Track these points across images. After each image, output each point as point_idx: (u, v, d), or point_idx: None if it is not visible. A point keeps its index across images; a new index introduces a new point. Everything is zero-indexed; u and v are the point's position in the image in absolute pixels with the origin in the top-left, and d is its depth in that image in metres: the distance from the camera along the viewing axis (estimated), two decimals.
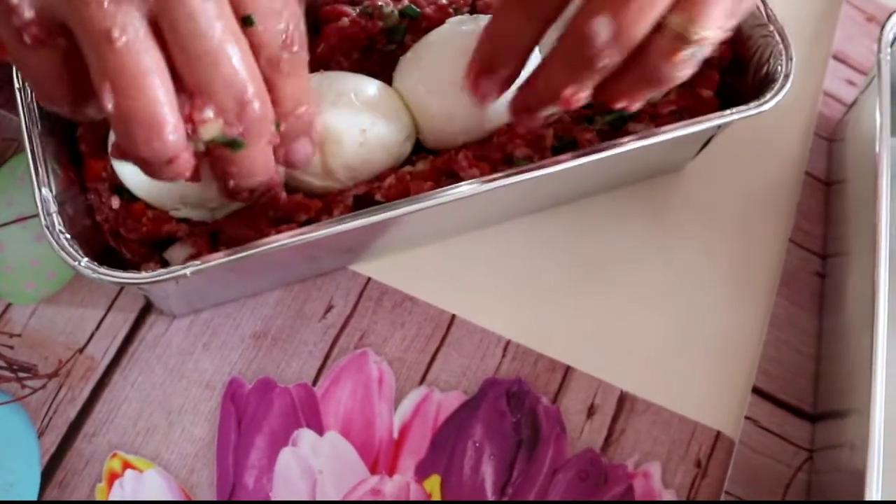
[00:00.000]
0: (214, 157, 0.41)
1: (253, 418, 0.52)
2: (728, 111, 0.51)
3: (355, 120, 0.51)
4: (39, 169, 0.46)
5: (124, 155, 0.39)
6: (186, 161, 0.39)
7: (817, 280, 0.59)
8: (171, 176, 0.39)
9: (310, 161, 0.45)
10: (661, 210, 0.59)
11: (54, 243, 0.45)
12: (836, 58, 0.65)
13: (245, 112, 0.39)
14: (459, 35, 0.52)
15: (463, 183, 0.48)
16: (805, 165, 0.61)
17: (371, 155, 0.51)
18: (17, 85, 0.48)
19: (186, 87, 0.38)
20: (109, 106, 0.36)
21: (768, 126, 0.62)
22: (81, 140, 0.50)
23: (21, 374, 0.52)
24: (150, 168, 0.39)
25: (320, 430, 0.52)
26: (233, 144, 0.40)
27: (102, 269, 0.45)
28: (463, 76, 0.48)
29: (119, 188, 0.50)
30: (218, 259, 0.45)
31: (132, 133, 0.37)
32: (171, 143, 0.38)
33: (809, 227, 0.60)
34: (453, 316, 0.55)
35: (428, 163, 0.53)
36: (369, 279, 0.55)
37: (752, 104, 0.52)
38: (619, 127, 0.54)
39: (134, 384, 0.52)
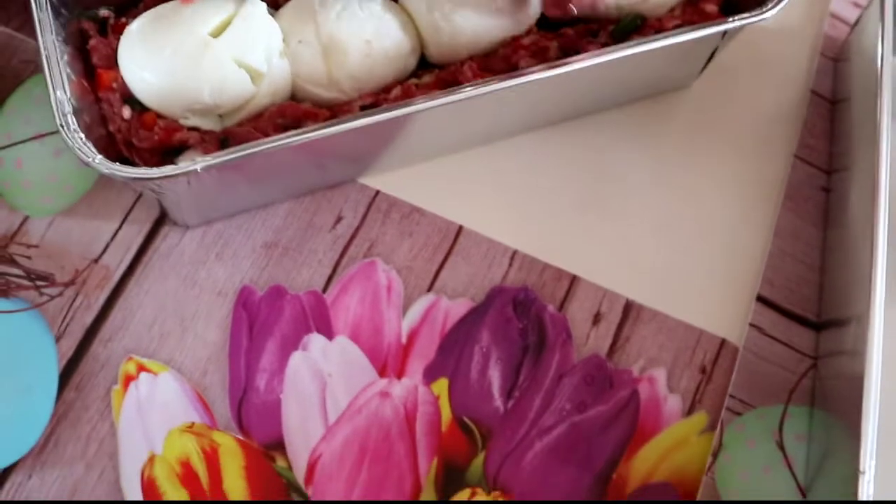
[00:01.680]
0: None
1: (264, 324, 0.53)
2: (730, 18, 0.52)
3: (360, 31, 0.51)
4: (54, 72, 0.47)
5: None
6: None
7: (822, 194, 0.59)
8: None
9: None
10: (669, 126, 0.60)
11: (68, 140, 0.46)
12: None
13: None
14: None
15: (467, 84, 0.49)
16: (811, 84, 0.62)
17: (376, 66, 0.52)
18: None
19: None
20: None
21: (775, 46, 0.62)
22: (93, 52, 0.51)
23: (39, 283, 0.53)
24: None
25: (330, 335, 0.53)
26: None
27: (116, 165, 0.46)
28: None
29: (130, 99, 0.51)
30: (226, 155, 0.46)
31: None
32: None
33: (815, 144, 0.60)
34: (460, 227, 0.56)
35: (433, 76, 0.54)
36: (378, 192, 0.56)
37: (755, 11, 0.52)
38: (623, 40, 0.54)
39: (148, 292, 0.54)
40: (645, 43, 0.51)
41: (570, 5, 0.51)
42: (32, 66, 0.58)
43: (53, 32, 0.49)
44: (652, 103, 0.60)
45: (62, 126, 0.46)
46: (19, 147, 0.56)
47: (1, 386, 0.51)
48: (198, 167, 0.46)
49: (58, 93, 0.47)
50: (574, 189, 0.58)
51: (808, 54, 0.63)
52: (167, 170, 0.46)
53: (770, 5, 0.52)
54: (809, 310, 0.56)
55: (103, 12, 0.53)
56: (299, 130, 0.47)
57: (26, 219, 0.55)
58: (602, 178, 0.58)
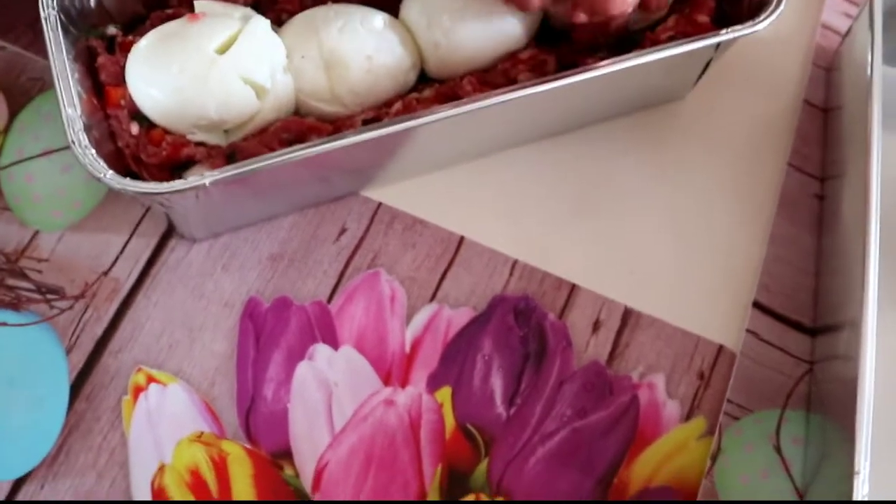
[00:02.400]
0: None
1: (271, 334, 0.54)
2: (723, 30, 0.53)
3: (361, 47, 0.53)
4: (65, 90, 0.49)
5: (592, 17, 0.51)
6: None
7: (816, 201, 0.60)
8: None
9: None
10: (665, 136, 0.61)
11: (80, 157, 0.47)
12: None
13: None
14: None
15: (467, 98, 0.50)
16: (803, 94, 0.63)
17: (377, 81, 0.53)
18: (43, 14, 0.51)
19: None
20: None
21: (768, 57, 0.64)
22: (101, 69, 0.53)
23: (49, 296, 0.54)
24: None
25: (335, 345, 0.54)
26: None
27: (126, 180, 0.47)
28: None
29: (138, 115, 0.52)
30: (234, 170, 0.47)
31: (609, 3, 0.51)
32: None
33: (808, 152, 0.62)
34: (462, 237, 0.57)
35: (433, 90, 0.55)
36: (380, 204, 0.58)
37: (746, 24, 0.53)
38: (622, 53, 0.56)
39: (157, 304, 0.55)
40: (640, 56, 0.52)
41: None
42: (41, 84, 0.60)
43: (63, 51, 0.50)
44: (648, 114, 0.61)
45: (73, 143, 0.47)
46: (29, 163, 0.58)
47: (13, 398, 0.52)
48: (206, 182, 0.47)
49: (68, 110, 0.48)
50: (572, 199, 0.59)
51: (800, 64, 0.64)
52: (176, 184, 0.47)
53: (763, 16, 0.54)
54: (805, 315, 0.57)
55: (111, 30, 0.55)
56: (304, 145, 0.48)
57: (37, 233, 0.56)
58: (599, 187, 0.59)
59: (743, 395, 0.55)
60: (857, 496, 0.45)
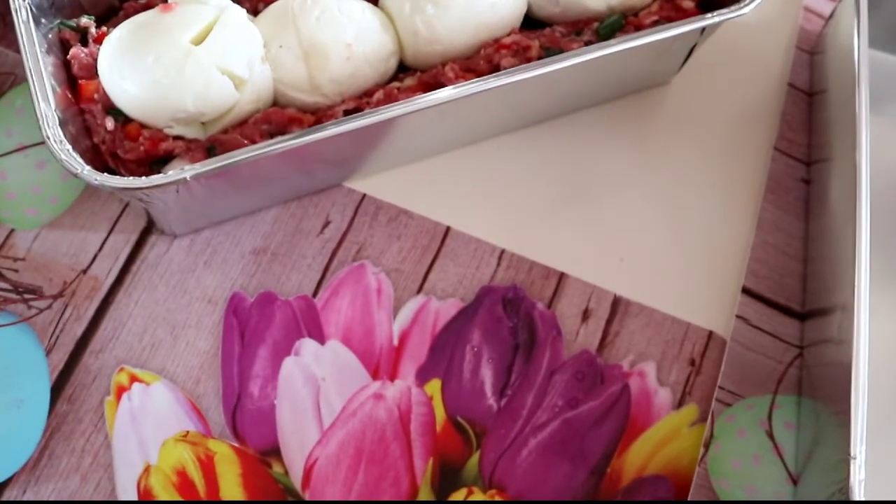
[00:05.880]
0: None
1: (255, 330, 0.53)
2: (709, 14, 0.52)
3: (340, 34, 0.52)
4: (38, 84, 0.47)
5: None
6: None
7: (803, 185, 0.60)
8: None
9: None
10: (650, 122, 0.60)
11: (55, 152, 0.46)
12: None
13: None
14: None
15: (449, 86, 0.50)
16: (788, 77, 0.63)
17: (357, 70, 0.52)
18: (13, 6, 0.49)
19: None
20: None
21: (751, 41, 0.63)
22: (73, 62, 0.51)
23: (27, 296, 0.53)
24: None
25: (322, 340, 0.53)
26: None
27: (104, 176, 0.46)
28: None
29: (113, 109, 0.51)
30: (215, 163, 0.46)
31: None
32: None
33: (793, 136, 0.61)
34: (448, 228, 0.56)
35: (415, 78, 0.54)
36: (364, 195, 0.57)
37: (732, 7, 0.53)
38: (606, 38, 0.55)
39: (138, 302, 0.53)
40: (626, 41, 0.51)
41: None
42: (13, 78, 0.58)
43: (36, 44, 0.49)
44: (633, 100, 0.61)
45: (48, 138, 0.46)
46: (2, 159, 0.56)
47: None
48: (187, 175, 0.46)
49: (42, 105, 0.47)
50: (559, 187, 0.58)
51: (784, 48, 0.64)
52: (156, 179, 0.46)
53: (748, 0, 0.53)
54: (794, 300, 0.57)
55: (84, 21, 0.53)
56: (286, 136, 0.47)
57: (12, 232, 0.55)
58: (586, 175, 0.59)
59: (734, 382, 0.54)
60: (853, 481, 0.45)
